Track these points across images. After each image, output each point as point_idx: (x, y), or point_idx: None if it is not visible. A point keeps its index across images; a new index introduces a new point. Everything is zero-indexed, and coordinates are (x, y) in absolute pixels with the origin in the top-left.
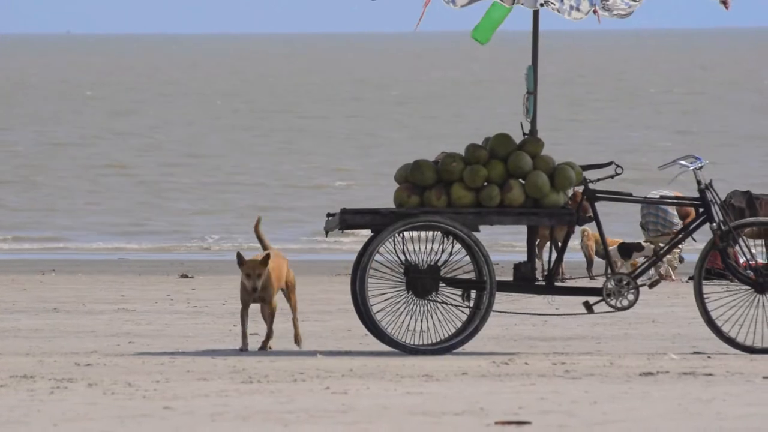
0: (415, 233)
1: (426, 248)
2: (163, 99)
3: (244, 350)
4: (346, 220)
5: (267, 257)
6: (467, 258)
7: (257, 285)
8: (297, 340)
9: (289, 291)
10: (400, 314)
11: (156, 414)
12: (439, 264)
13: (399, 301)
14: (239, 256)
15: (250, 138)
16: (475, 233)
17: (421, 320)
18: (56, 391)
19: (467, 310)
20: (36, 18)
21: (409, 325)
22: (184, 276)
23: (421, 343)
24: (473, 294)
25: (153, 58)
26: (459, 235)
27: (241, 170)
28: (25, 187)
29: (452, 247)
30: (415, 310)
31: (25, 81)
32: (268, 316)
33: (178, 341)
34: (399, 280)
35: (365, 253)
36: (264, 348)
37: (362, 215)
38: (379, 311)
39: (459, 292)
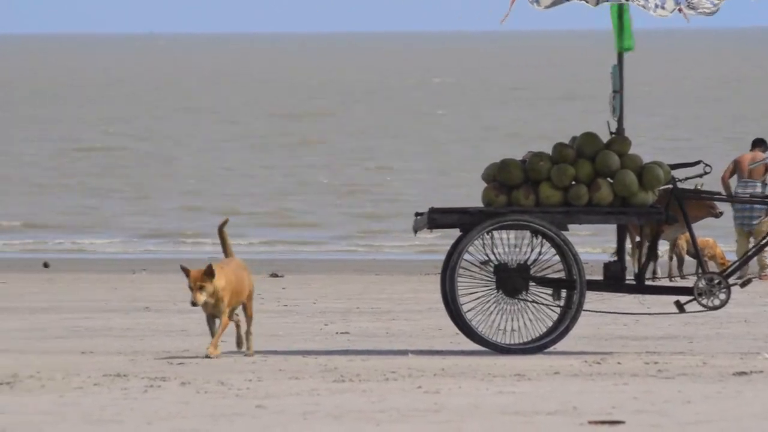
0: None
1: (515, 247)
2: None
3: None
4: (435, 219)
5: (210, 270)
6: (557, 257)
7: (197, 300)
8: (250, 352)
9: (246, 300)
10: (491, 313)
11: (248, 412)
12: (529, 263)
13: (489, 300)
14: (183, 269)
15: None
16: (563, 232)
17: (512, 319)
18: (149, 389)
19: (558, 310)
20: (116, 18)
21: (499, 324)
22: (274, 275)
23: (512, 342)
24: (563, 293)
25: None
26: (548, 234)
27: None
28: (137, 189)
29: (541, 246)
30: (506, 309)
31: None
32: (219, 327)
33: (269, 340)
34: (489, 279)
35: (454, 252)
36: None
37: (450, 214)
38: (469, 310)
39: (549, 291)
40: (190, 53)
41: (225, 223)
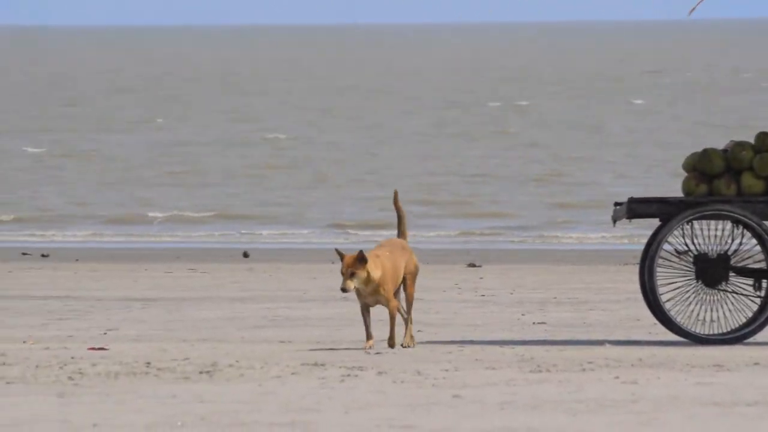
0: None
1: (715, 237)
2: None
3: (368, 350)
4: (634, 209)
5: (361, 256)
6: (758, 248)
7: (347, 287)
8: (407, 342)
9: (408, 281)
10: (689, 303)
11: (445, 402)
12: (729, 253)
13: (688, 291)
14: (338, 252)
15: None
16: (766, 222)
17: (711, 310)
18: (347, 379)
19: (758, 300)
20: (320, 8)
21: (698, 314)
22: (472, 265)
23: (711, 332)
24: (765, 284)
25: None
26: (749, 225)
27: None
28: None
29: (742, 236)
30: (705, 299)
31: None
32: (389, 318)
33: (466, 330)
34: (688, 269)
35: (653, 242)
36: (390, 346)
37: (650, 204)
38: (667, 300)
39: (750, 281)
40: (377, 45)
41: (396, 195)
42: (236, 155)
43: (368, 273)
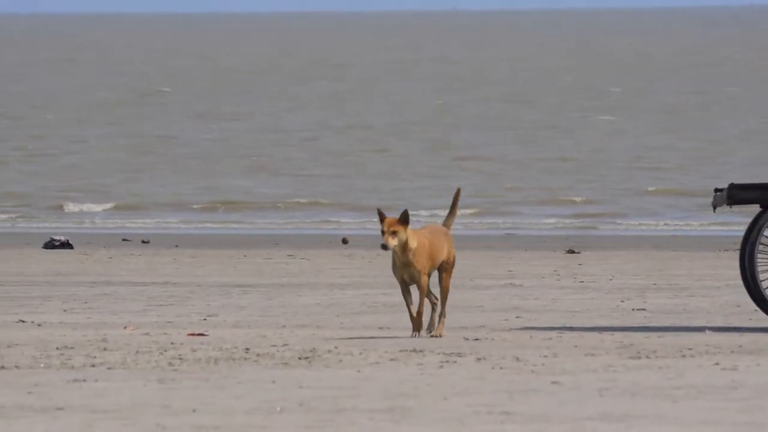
0: None
1: None
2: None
3: (414, 334)
4: (734, 195)
5: (405, 216)
6: None
7: (388, 243)
8: (437, 333)
9: (444, 271)
10: None
11: (544, 389)
12: None
13: None
14: (379, 212)
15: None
16: None
17: None
18: (445, 365)
19: None
20: None
21: None
22: (571, 251)
23: None
24: None
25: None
26: None
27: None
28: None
29: None
30: None
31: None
32: (419, 297)
33: (565, 316)
34: None
35: (754, 228)
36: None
37: (751, 190)
38: None
39: None
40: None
41: (458, 193)
42: (330, 142)
43: (408, 237)
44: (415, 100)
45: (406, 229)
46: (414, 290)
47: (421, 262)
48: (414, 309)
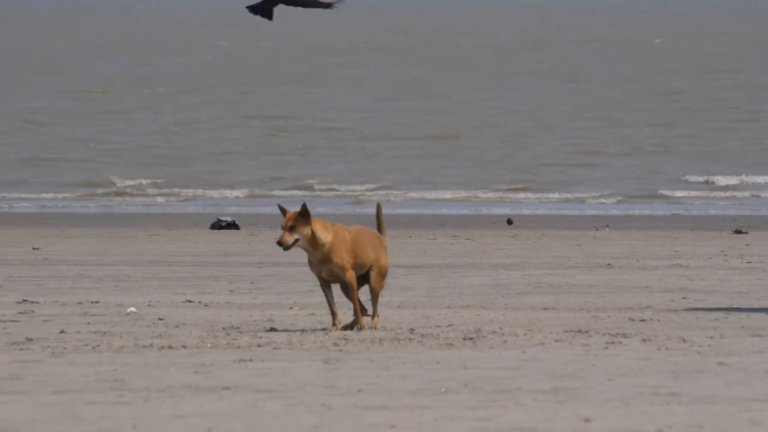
0: None
1: None
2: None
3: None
4: None
5: (304, 210)
6: None
7: (283, 240)
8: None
9: (373, 277)
10: None
11: (710, 370)
12: None
13: None
14: (280, 208)
15: None
16: None
17: None
18: (610, 346)
19: None
20: None
21: None
22: (738, 231)
23: None
24: None
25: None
26: None
27: None
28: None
29: None
30: None
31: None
32: (351, 297)
33: (732, 297)
34: None
35: None
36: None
37: None
38: None
39: None
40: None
41: (379, 207)
42: (493, 122)
43: (313, 232)
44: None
45: (309, 223)
46: (334, 290)
47: (340, 257)
48: (336, 308)
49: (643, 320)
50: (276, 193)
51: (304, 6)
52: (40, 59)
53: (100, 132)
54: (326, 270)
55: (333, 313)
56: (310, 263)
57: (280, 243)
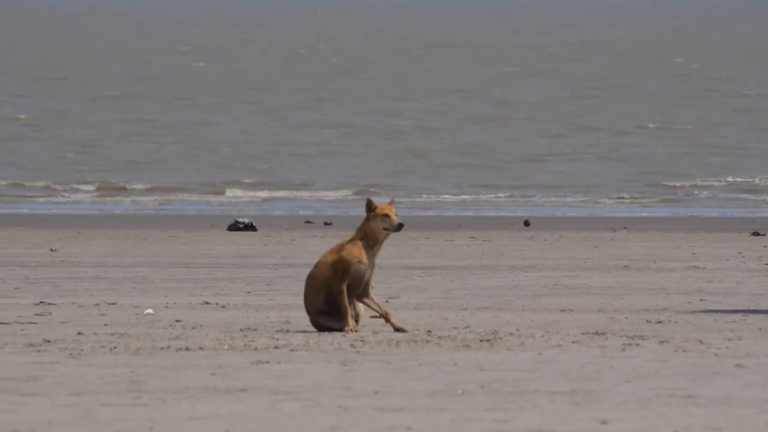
0: None
1: None
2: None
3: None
4: None
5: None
6: None
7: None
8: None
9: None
10: None
11: (727, 372)
12: None
13: None
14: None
15: None
16: None
17: None
18: (627, 347)
19: None
20: None
21: None
22: (756, 233)
23: None
24: None
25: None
26: None
27: None
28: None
29: None
30: None
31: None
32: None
33: (749, 299)
34: None
35: None
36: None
37: None
38: None
39: None
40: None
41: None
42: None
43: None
44: None
45: None
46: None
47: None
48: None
49: (660, 322)
50: (277, 194)
51: None
52: (61, 62)
53: (118, 135)
54: (372, 269)
55: (356, 315)
56: (363, 264)
57: (402, 224)
